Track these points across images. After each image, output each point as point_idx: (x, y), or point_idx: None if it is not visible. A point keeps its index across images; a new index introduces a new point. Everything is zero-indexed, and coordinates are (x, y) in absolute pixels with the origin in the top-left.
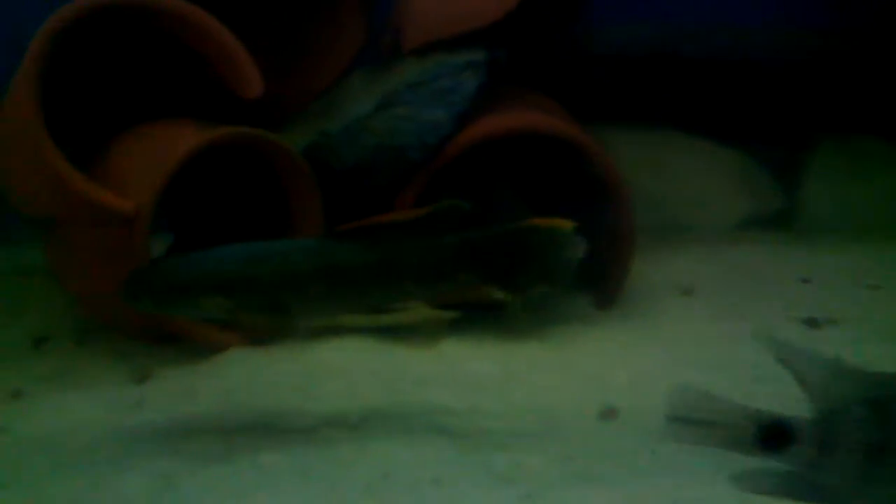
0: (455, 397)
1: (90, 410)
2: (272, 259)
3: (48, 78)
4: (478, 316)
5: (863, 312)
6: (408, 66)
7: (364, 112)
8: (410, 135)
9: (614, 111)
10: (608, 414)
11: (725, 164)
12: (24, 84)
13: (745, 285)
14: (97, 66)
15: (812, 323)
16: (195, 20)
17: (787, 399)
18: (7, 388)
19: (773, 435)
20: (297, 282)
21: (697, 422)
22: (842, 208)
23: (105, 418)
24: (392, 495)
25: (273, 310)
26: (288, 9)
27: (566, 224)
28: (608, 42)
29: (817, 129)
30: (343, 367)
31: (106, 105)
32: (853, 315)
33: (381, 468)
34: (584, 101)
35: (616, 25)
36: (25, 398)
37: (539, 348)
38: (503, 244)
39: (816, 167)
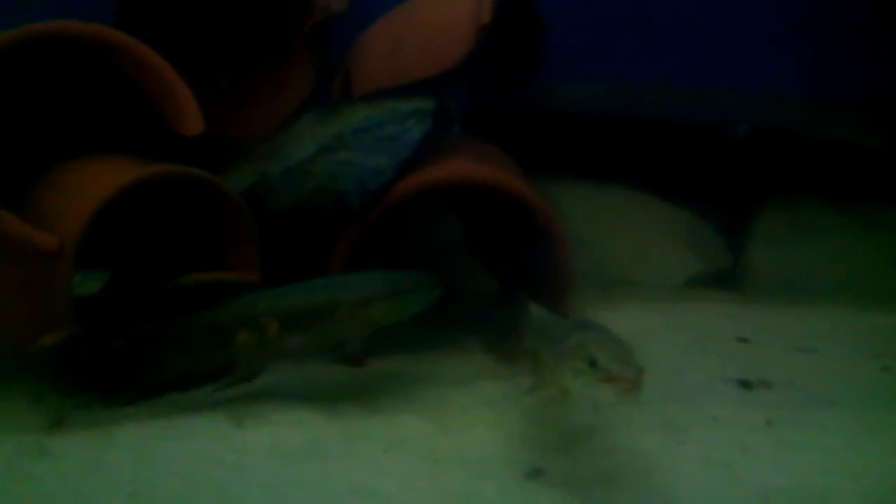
0: None
1: None
2: None
3: None
4: None
5: (795, 376)
6: (355, 111)
7: (305, 155)
8: (351, 180)
9: (568, 166)
10: (534, 474)
11: (675, 223)
12: None
13: (683, 342)
14: (32, 98)
15: (746, 385)
16: (136, 54)
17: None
18: None
19: None
20: None
21: None
22: (784, 270)
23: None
24: None
25: None
26: (239, 51)
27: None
28: (565, 98)
29: (765, 191)
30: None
31: (45, 138)
32: (786, 379)
33: None
34: (538, 155)
35: (572, 83)
36: None
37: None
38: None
39: (761, 229)
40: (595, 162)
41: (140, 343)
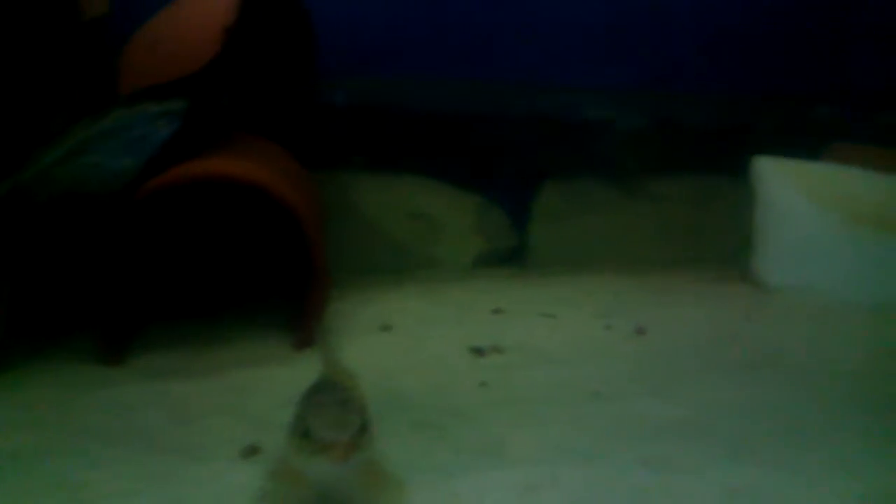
0: None
1: None
2: None
3: None
4: None
5: (529, 340)
6: (111, 115)
7: (53, 160)
8: (96, 183)
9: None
10: (251, 451)
11: (465, 207)
12: None
13: (441, 317)
14: None
15: (479, 351)
16: None
17: None
18: None
19: None
20: None
21: None
22: (560, 243)
23: None
24: None
25: None
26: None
27: None
28: (343, 94)
29: (543, 173)
30: None
31: None
32: (520, 342)
33: None
34: (321, 149)
35: (349, 78)
36: None
37: (222, 391)
38: None
39: (539, 207)
40: (388, 154)
41: None
